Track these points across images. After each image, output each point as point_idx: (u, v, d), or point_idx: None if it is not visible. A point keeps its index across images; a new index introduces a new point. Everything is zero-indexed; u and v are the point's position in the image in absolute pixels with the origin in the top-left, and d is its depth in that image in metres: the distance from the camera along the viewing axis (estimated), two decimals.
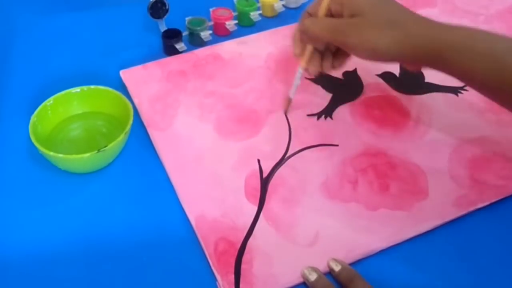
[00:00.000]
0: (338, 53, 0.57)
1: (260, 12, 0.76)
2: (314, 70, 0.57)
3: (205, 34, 0.71)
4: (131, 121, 0.55)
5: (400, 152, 0.57)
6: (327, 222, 0.51)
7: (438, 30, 0.49)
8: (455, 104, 0.62)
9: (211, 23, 0.74)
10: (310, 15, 0.55)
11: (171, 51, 0.70)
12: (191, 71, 0.67)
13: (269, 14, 0.77)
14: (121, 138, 0.54)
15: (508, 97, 0.49)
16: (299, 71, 0.58)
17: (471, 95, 0.63)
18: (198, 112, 0.62)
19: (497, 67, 0.47)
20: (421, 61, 0.50)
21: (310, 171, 0.55)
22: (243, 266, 0.47)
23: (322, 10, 0.53)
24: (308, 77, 0.60)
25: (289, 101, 0.61)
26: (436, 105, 0.62)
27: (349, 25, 0.50)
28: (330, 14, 0.54)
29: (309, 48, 0.56)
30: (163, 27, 0.71)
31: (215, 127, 0.60)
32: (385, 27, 0.49)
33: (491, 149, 0.57)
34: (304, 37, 0.56)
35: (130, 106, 0.57)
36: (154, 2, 0.69)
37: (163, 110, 0.62)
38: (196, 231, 0.50)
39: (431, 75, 0.66)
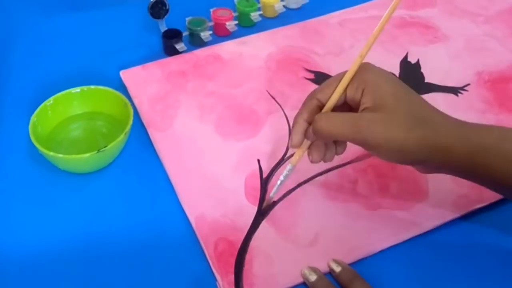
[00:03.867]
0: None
1: (261, 12, 0.76)
2: (317, 158, 0.47)
3: (205, 35, 0.71)
4: (131, 121, 0.55)
5: None
6: (327, 222, 0.51)
7: (469, 131, 0.44)
8: (455, 104, 0.62)
9: (212, 23, 0.74)
10: (319, 101, 0.46)
11: (171, 51, 0.70)
12: (191, 71, 0.67)
13: (269, 14, 0.77)
14: (121, 138, 0.54)
15: None
16: (289, 167, 0.48)
17: (471, 95, 0.63)
18: (198, 112, 0.62)
19: None
20: (449, 165, 0.45)
21: (310, 171, 0.55)
22: (243, 266, 0.47)
23: (337, 93, 0.45)
24: (312, 162, 0.48)
25: (269, 200, 0.51)
26: (436, 105, 0.61)
27: (373, 122, 0.43)
28: (344, 99, 0.46)
29: (308, 142, 0.47)
30: (163, 27, 0.71)
31: (215, 127, 0.60)
32: (413, 125, 0.43)
33: None
34: (311, 134, 0.46)
35: (130, 106, 0.57)
36: (154, 2, 0.69)
37: (163, 110, 0.62)
38: (196, 231, 0.50)
39: (431, 75, 0.66)
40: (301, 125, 0.46)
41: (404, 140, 0.43)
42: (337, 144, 0.48)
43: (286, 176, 0.49)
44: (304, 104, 0.47)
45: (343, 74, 0.45)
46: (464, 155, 0.43)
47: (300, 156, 0.48)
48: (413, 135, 0.43)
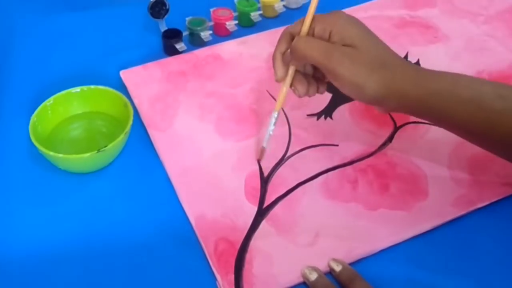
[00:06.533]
0: (318, 79, 0.53)
1: (261, 12, 0.76)
2: (301, 89, 0.51)
3: (205, 34, 0.71)
4: (131, 121, 0.55)
5: (400, 152, 0.57)
6: (327, 222, 0.51)
7: (424, 76, 0.48)
8: None
9: (212, 23, 0.74)
10: (292, 35, 0.51)
11: (171, 51, 0.70)
12: (191, 71, 0.67)
13: (269, 14, 0.77)
14: (121, 138, 0.54)
15: (496, 143, 0.48)
16: (274, 115, 0.53)
17: None
18: (198, 112, 0.62)
19: (483, 114, 0.46)
20: (404, 108, 0.49)
21: (310, 171, 0.55)
22: (243, 266, 0.47)
23: (305, 27, 0.50)
24: (298, 97, 0.52)
25: (262, 151, 0.55)
26: None
27: (343, 55, 0.47)
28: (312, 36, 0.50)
29: (292, 70, 0.51)
30: (163, 27, 0.71)
31: (215, 127, 0.60)
32: (376, 66, 0.47)
33: None
34: (289, 57, 0.51)
35: (130, 106, 0.57)
36: (154, 2, 0.69)
37: (163, 110, 0.62)
38: (196, 231, 0.50)
39: None
40: (281, 58, 0.51)
41: (366, 77, 0.46)
42: (319, 81, 0.52)
43: (273, 125, 0.52)
44: (280, 40, 0.52)
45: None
46: (419, 98, 0.47)
47: (285, 92, 0.52)
48: (374, 75, 0.46)
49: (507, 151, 0.49)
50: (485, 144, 0.50)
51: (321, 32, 0.49)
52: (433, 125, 0.52)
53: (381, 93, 0.47)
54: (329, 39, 0.49)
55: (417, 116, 0.50)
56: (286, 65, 0.51)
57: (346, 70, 0.47)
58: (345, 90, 0.48)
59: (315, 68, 0.52)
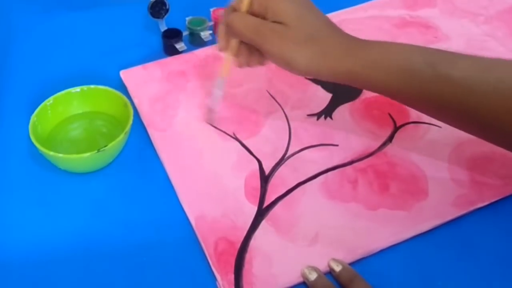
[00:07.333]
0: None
1: None
2: (242, 61, 0.54)
3: (205, 34, 0.71)
4: (131, 121, 0.55)
5: (400, 152, 0.57)
6: (327, 222, 0.51)
7: (354, 47, 0.48)
8: None
9: (212, 23, 0.74)
10: (235, 9, 0.52)
11: (171, 51, 0.70)
12: (191, 71, 0.67)
13: None
14: (121, 138, 0.54)
15: (433, 112, 0.49)
16: (219, 80, 0.55)
17: None
18: (198, 112, 0.62)
19: (414, 81, 0.46)
20: (338, 79, 0.50)
21: (310, 171, 0.55)
22: (243, 266, 0.47)
23: (244, 5, 0.51)
24: (238, 67, 0.55)
25: (210, 111, 0.57)
26: None
27: (271, 31, 0.49)
28: (251, 13, 0.51)
29: (234, 41, 0.53)
30: (163, 27, 0.71)
31: (215, 127, 0.60)
32: (304, 43, 0.48)
33: (491, 149, 0.57)
34: (228, 31, 0.53)
35: (130, 106, 0.57)
36: (154, 2, 0.69)
37: (163, 110, 0.62)
38: (196, 231, 0.50)
39: None
40: (223, 30, 0.53)
41: (293, 53, 0.48)
42: (261, 55, 0.52)
43: (221, 86, 0.55)
44: (224, 13, 0.54)
45: None
46: (349, 69, 0.48)
47: (229, 63, 0.54)
48: (302, 51, 0.48)
49: (446, 120, 0.50)
50: (426, 113, 0.50)
51: (258, 8, 0.50)
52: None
53: (311, 66, 0.48)
54: (265, 16, 0.50)
55: (354, 86, 0.51)
56: (228, 38, 0.53)
57: (274, 46, 0.49)
58: (278, 65, 0.50)
59: None
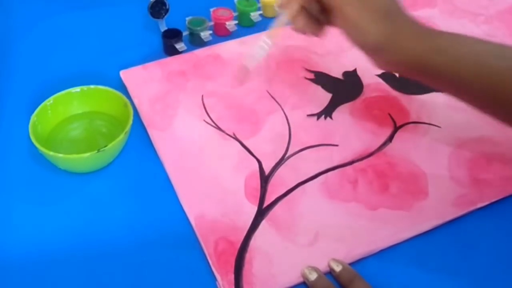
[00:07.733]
0: (321, 22, 0.52)
1: (261, 12, 0.76)
2: (298, 26, 0.52)
3: (205, 34, 0.71)
4: (131, 121, 0.55)
5: (400, 152, 0.57)
6: (327, 222, 0.51)
7: (425, 32, 0.48)
8: (455, 104, 0.62)
9: (212, 23, 0.74)
10: None
11: (171, 51, 0.70)
12: (191, 71, 0.67)
13: (269, 14, 0.77)
14: (121, 138, 0.54)
15: (498, 106, 0.47)
16: (265, 39, 0.51)
17: None
18: (198, 112, 0.62)
19: (484, 72, 0.45)
20: (402, 64, 0.48)
21: (310, 171, 0.55)
22: (243, 266, 0.47)
23: None
24: (293, 30, 0.52)
25: (244, 71, 0.53)
26: (436, 105, 0.62)
27: None
28: None
29: (296, 2, 0.50)
30: (163, 27, 0.71)
31: (215, 127, 0.60)
32: (383, 17, 0.47)
33: (491, 149, 0.57)
34: None
35: (130, 106, 0.57)
36: (154, 2, 0.69)
37: (163, 110, 0.62)
38: (196, 231, 0.50)
39: None
40: None
41: (370, 23, 0.47)
42: (320, 25, 0.51)
43: (265, 47, 0.51)
44: None
45: None
46: (418, 53, 0.47)
47: (283, 23, 0.51)
48: (377, 22, 0.47)
49: (508, 115, 0.48)
50: (486, 106, 0.49)
51: None
52: (436, 90, 0.52)
53: (381, 42, 0.47)
54: None
55: (415, 76, 0.49)
56: None
57: (353, 10, 0.47)
58: (346, 32, 0.49)
59: (321, 9, 0.51)
